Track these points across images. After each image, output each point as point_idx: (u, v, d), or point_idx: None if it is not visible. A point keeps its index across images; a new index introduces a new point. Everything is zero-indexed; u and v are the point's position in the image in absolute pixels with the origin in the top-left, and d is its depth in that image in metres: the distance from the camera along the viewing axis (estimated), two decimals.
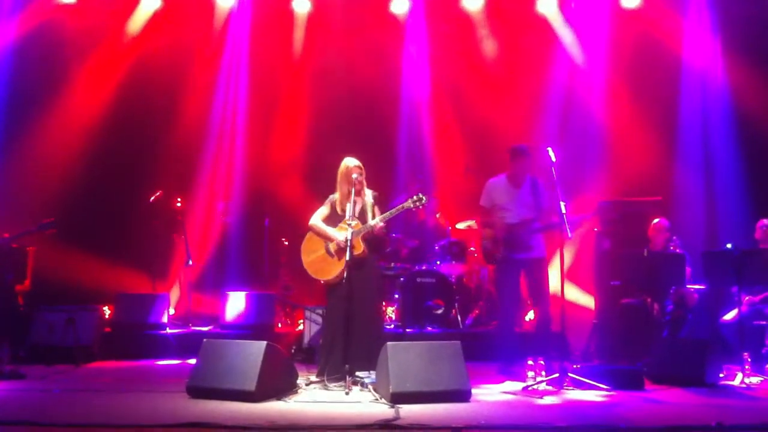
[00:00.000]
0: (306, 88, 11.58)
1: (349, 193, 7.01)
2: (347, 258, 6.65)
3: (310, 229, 7.18)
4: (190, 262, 10.07)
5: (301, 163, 11.29)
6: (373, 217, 7.10)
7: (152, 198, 10.11)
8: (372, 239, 7.11)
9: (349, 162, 7.19)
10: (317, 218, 7.19)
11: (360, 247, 6.95)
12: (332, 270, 6.99)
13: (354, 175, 7.08)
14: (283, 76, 11.66)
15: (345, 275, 6.73)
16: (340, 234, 6.96)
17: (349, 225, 6.81)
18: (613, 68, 11.04)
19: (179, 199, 10.20)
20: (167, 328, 9.14)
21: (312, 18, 11.62)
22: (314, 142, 11.25)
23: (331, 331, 7.01)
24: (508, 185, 7.78)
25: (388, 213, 7.02)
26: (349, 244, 6.68)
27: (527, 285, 7.85)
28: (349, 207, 6.94)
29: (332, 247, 7.04)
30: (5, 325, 8.32)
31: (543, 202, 7.67)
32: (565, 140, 10.64)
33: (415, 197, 7.03)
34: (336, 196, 7.23)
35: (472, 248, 10.25)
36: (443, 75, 11.58)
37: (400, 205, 7.07)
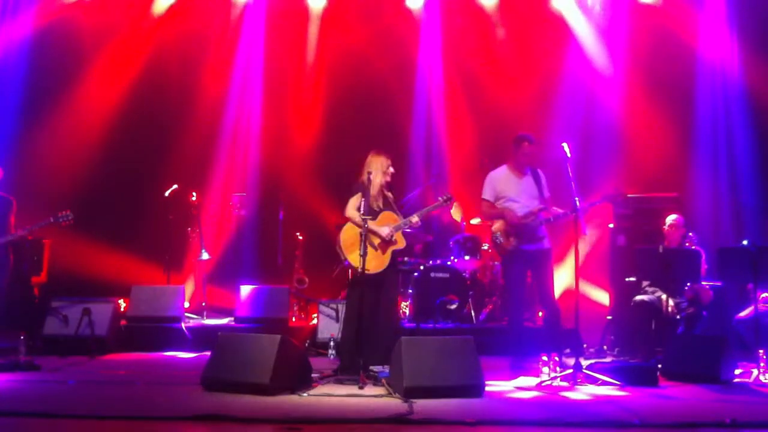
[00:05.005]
0: (320, 81, 11.57)
1: (384, 185, 7.15)
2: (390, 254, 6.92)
3: (351, 220, 7.02)
4: (205, 256, 10.13)
5: (315, 156, 11.30)
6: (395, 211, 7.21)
7: (168, 191, 10.15)
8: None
9: (385, 155, 7.23)
10: (355, 210, 6.98)
11: (402, 242, 7.05)
12: (380, 263, 6.96)
13: (390, 168, 7.20)
14: (297, 70, 11.64)
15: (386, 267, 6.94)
16: (382, 229, 6.98)
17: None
18: (628, 63, 10.94)
19: (194, 194, 10.25)
20: (182, 321, 9.15)
21: (327, 11, 11.61)
22: (329, 136, 11.25)
23: (355, 326, 6.99)
24: (511, 175, 7.67)
25: (425, 210, 7.39)
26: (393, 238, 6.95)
27: (532, 278, 7.76)
28: (385, 200, 7.16)
29: (376, 240, 6.99)
30: (21, 316, 8.40)
31: (544, 193, 7.62)
32: (581, 135, 10.60)
33: (445, 196, 7.35)
34: (370, 186, 7.03)
35: (485, 244, 10.22)
36: (458, 69, 11.53)
37: (434, 204, 7.47)
